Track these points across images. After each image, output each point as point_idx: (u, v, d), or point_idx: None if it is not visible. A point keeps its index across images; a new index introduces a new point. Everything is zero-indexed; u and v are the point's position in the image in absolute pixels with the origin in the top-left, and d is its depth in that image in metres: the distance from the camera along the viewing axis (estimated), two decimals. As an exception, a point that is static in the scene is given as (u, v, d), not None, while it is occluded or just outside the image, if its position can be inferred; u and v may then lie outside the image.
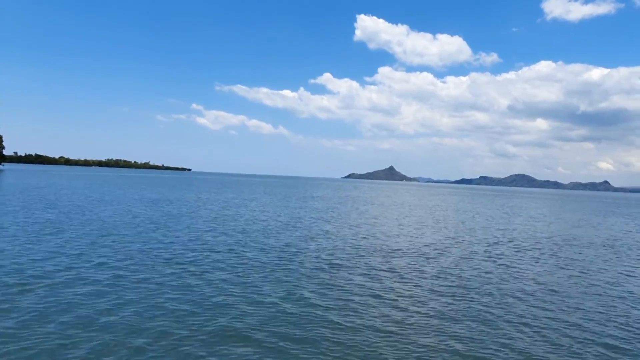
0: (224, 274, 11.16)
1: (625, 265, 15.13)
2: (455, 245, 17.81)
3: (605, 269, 14.39)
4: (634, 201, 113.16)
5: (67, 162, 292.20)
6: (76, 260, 11.70)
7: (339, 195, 60.40)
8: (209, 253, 13.78)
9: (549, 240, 20.55)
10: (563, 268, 14.16)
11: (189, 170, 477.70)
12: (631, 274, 13.88)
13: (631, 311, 9.57)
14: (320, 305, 9.00)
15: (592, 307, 9.73)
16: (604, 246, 19.57)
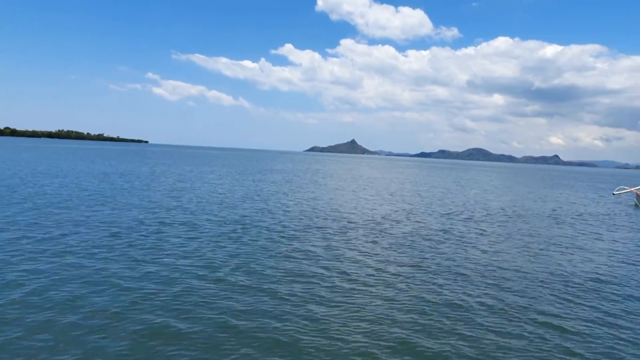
0: (174, 248, 10.87)
1: (567, 234, 15.86)
2: (409, 217, 18.11)
3: (549, 237, 15.14)
4: (579, 174, 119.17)
5: (13, 132, 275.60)
6: (16, 235, 11.08)
7: (299, 168, 60.20)
8: (159, 226, 13.36)
9: (499, 212, 21.27)
10: (510, 237, 14.69)
11: (146, 142, 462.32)
12: (574, 241, 14.64)
13: (570, 277, 10.05)
14: (271, 276, 8.96)
15: (536, 271, 10.20)
16: (548, 216, 20.46)
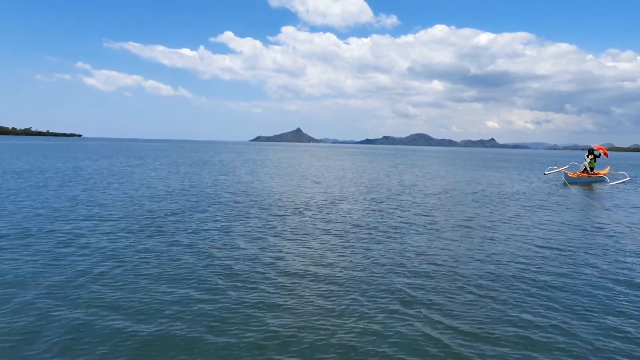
0: (90, 243, 10.05)
1: (500, 213, 15.50)
2: (344, 202, 17.38)
3: (483, 217, 14.97)
4: (514, 156, 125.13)
5: None
6: None
7: (240, 158, 58.18)
8: (76, 223, 12.23)
9: (435, 195, 20.86)
10: (445, 218, 14.20)
11: (79, 136, 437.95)
12: (507, 219, 14.42)
13: (501, 256, 9.39)
14: (198, 267, 8.54)
15: (465, 247, 9.46)
16: (484, 197, 20.30)
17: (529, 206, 18.24)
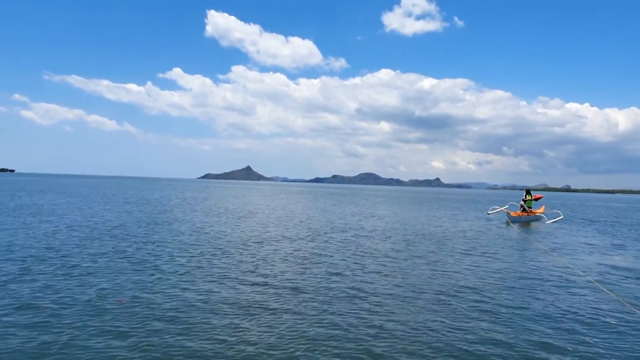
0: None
1: (447, 250, 14.87)
2: (283, 241, 15.98)
3: (429, 254, 14.03)
4: (458, 195, 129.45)
5: None
6: None
7: (184, 196, 55.57)
8: None
9: (382, 233, 20.06)
10: (390, 255, 13.29)
11: (12, 171, 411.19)
12: (453, 257, 13.60)
13: (449, 290, 8.49)
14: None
15: (416, 285, 8.48)
16: (429, 235, 19.74)
17: (475, 245, 17.84)
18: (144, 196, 49.97)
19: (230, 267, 12.11)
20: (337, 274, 11.69)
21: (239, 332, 7.24)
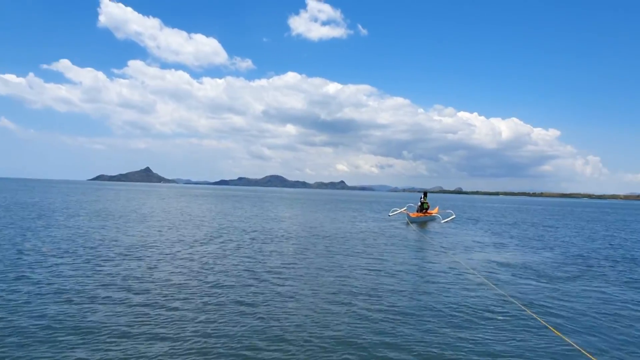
0: None
1: (351, 251, 14.77)
2: (180, 246, 14.69)
3: (334, 254, 13.77)
4: (361, 197, 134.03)
5: None
6: None
7: (69, 199, 50.20)
8: None
9: (285, 235, 19.52)
10: (297, 256, 12.75)
11: None
12: (357, 257, 13.47)
13: (355, 288, 8.15)
14: None
15: (322, 284, 8.00)
16: (335, 235, 19.65)
17: (375, 245, 18.10)
18: (19, 200, 44.26)
19: (106, 276, 10.72)
20: (229, 278, 10.90)
21: (112, 345, 6.18)
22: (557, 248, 19.80)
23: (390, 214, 38.56)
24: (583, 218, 49.92)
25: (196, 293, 9.68)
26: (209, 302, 8.98)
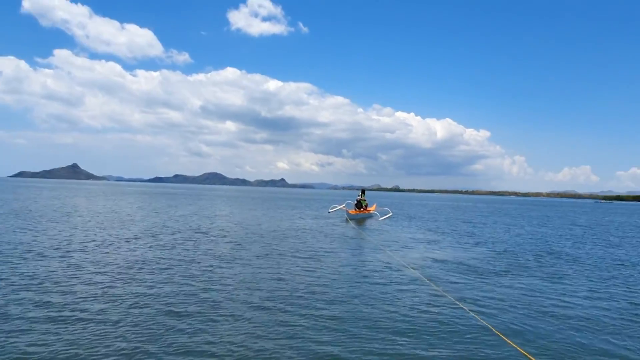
0: None
1: (292, 248, 14.51)
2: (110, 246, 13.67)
3: (278, 252, 13.44)
4: (302, 195, 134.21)
5: None
6: None
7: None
8: None
9: (225, 233, 18.88)
10: (236, 255, 12.27)
11: None
12: (298, 253, 13.20)
13: (297, 284, 7.88)
14: None
15: (265, 282, 7.64)
16: (276, 233, 19.29)
17: (314, 243, 18.01)
18: None
19: (22, 279, 9.71)
20: (158, 280, 10.29)
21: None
22: (486, 244, 20.72)
23: (329, 211, 38.85)
24: (510, 214, 53.04)
25: (120, 296, 9.00)
26: (135, 306, 8.36)
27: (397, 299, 9.82)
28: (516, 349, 6.88)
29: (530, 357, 6.55)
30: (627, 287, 12.00)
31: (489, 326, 7.93)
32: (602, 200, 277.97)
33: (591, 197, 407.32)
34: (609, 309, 9.66)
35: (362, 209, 34.05)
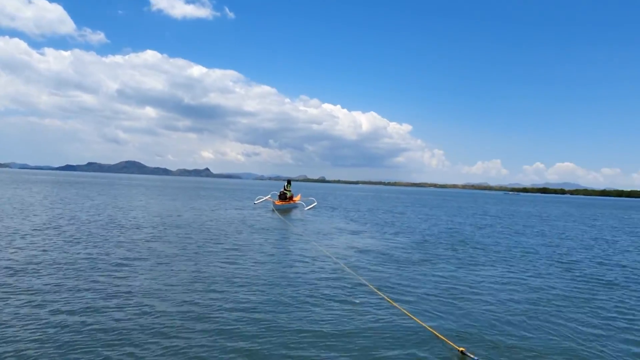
0: None
1: (218, 239, 13.93)
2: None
3: (201, 244, 12.79)
4: (227, 185, 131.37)
5: None
6: None
7: None
8: None
9: (145, 226, 17.69)
10: (159, 249, 11.49)
11: None
12: (224, 245, 12.67)
13: (222, 276, 7.46)
14: None
15: (191, 276, 7.10)
16: (201, 225, 18.46)
17: (239, 235, 17.58)
18: None
19: None
20: (61, 275, 9.34)
21: None
22: (406, 233, 21.49)
23: (255, 202, 38.38)
24: (428, 205, 55.79)
25: (14, 294, 8.02)
26: (34, 304, 7.49)
27: (318, 287, 9.85)
28: (431, 332, 7.09)
29: (445, 339, 6.77)
30: (533, 272, 12.98)
31: (405, 312, 8.11)
32: (511, 192, 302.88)
33: (501, 189, 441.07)
34: (517, 291, 10.37)
35: (287, 200, 33.96)
